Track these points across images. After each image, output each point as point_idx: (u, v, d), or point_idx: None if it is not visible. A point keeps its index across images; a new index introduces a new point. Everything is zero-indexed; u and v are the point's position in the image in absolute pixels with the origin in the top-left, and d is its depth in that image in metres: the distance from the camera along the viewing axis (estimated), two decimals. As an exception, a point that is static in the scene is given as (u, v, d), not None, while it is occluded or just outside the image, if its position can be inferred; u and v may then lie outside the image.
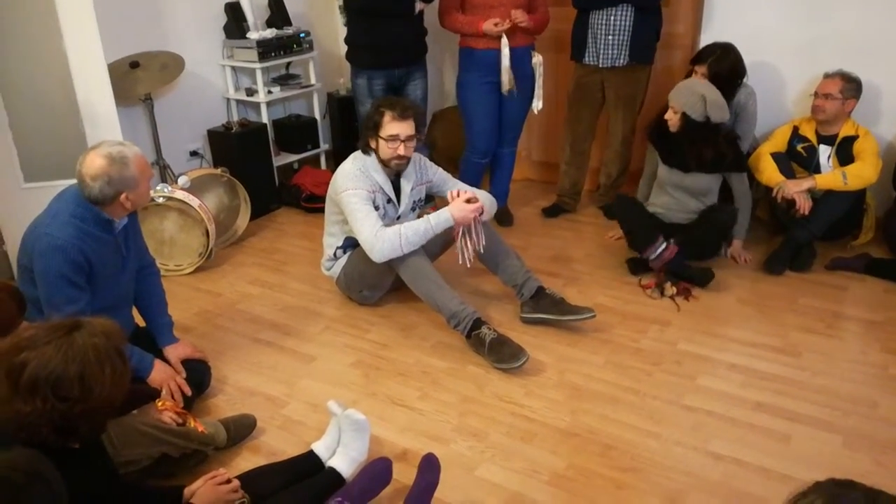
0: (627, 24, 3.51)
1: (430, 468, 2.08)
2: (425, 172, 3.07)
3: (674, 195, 3.37)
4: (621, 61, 3.59)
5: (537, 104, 3.61)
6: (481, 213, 2.78)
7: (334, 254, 3.08)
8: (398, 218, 2.99)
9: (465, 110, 3.64)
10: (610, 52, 3.57)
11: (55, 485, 1.27)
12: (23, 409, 1.41)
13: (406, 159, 2.89)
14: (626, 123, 3.78)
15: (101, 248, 2.21)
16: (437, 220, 2.73)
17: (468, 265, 2.82)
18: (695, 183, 3.30)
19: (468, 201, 2.75)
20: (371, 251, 2.75)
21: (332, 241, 3.08)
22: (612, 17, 3.51)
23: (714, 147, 3.21)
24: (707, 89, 3.19)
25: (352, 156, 2.97)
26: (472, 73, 3.53)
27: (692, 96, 3.16)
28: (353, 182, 2.83)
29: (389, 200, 2.94)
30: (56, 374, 1.41)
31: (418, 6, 3.40)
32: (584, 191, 4.10)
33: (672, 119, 3.22)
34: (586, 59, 3.65)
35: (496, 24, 3.33)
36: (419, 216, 3.15)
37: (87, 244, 2.16)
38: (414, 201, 3.05)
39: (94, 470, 1.61)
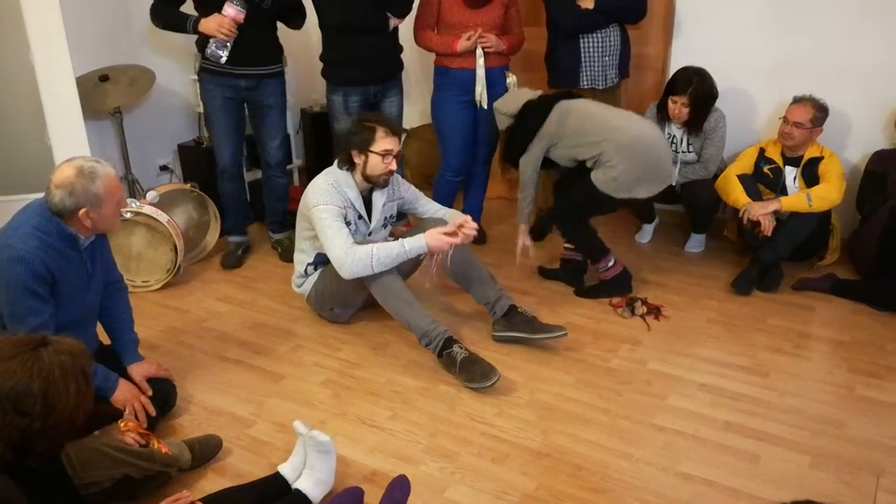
0: (617, 42, 3.58)
1: (400, 489, 2.06)
2: (397, 189, 3.06)
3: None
4: (613, 79, 3.65)
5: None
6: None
7: (305, 270, 3.05)
8: (369, 234, 2.97)
9: (440, 129, 3.65)
10: (607, 73, 3.62)
11: None
12: None
13: (391, 174, 2.90)
14: None
15: (65, 262, 2.16)
16: (411, 246, 2.72)
17: (427, 285, 2.86)
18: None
19: (459, 232, 2.75)
20: (341, 268, 2.73)
21: (302, 257, 3.05)
22: (604, 39, 3.55)
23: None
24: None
25: (324, 171, 2.96)
26: (447, 91, 3.54)
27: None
28: (325, 197, 2.82)
29: (360, 217, 2.93)
30: (19, 388, 1.38)
31: (392, 22, 3.40)
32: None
33: None
34: (583, 82, 3.63)
35: (468, 38, 3.35)
36: (391, 233, 3.15)
37: (51, 257, 2.11)
38: (385, 217, 3.04)
39: (54, 491, 1.56)
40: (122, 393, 2.31)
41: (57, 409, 1.38)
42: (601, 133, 3.07)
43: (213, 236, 3.81)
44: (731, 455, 2.31)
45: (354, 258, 2.69)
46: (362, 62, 3.41)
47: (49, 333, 2.07)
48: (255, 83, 3.39)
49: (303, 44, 4.41)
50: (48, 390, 1.37)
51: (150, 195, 3.48)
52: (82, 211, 2.11)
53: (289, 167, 4.62)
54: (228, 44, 3.20)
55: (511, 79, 3.56)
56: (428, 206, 3.12)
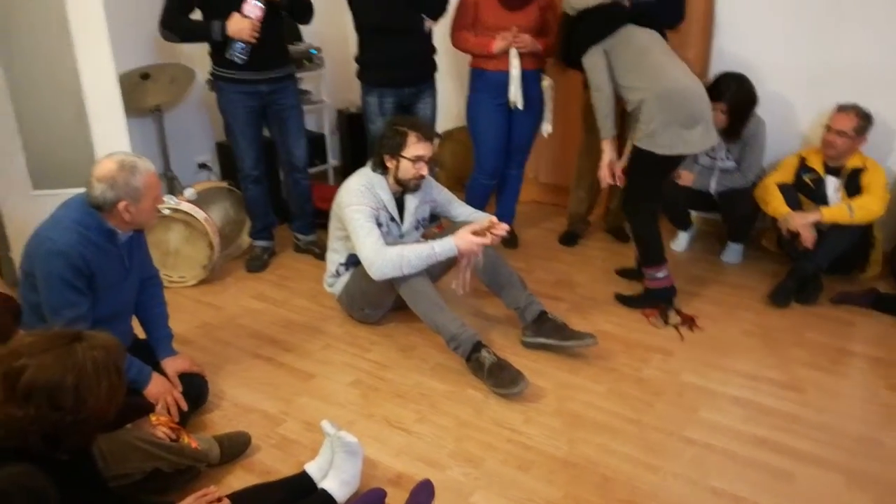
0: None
1: (425, 493, 2.06)
2: (429, 191, 3.07)
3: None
4: None
5: (547, 128, 3.62)
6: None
7: (336, 270, 3.07)
8: (401, 236, 2.98)
9: (475, 131, 3.64)
10: None
11: (51, 498, 1.26)
12: (15, 413, 1.41)
13: (423, 179, 2.91)
14: None
15: (103, 257, 2.21)
16: (441, 248, 2.72)
17: (460, 292, 2.84)
18: None
19: (488, 232, 2.74)
20: (370, 268, 2.74)
21: (335, 257, 3.07)
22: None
23: None
24: None
25: (357, 172, 2.98)
26: (482, 93, 3.54)
27: None
28: (358, 198, 2.83)
29: (393, 219, 2.94)
30: (53, 382, 1.41)
31: (427, 24, 3.40)
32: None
33: None
34: None
35: (504, 38, 3.34)
36: (424, 235, 3.15)
37: (89, 251, 2.15)
38: (418, 220, 3.04)
39: (84, 483, 1.59)
40: (156, 387, 2.35)
41: (89, 403, 1.41)
42: (645, 80, 2.98)
43: (248, 234, 3.85)
44: (763, 472, 2.26)
45: (385, 258, 2.70)
46: (397, 64, 3.42)
47: (86, 326, 2.14)
48: (275, 86, 3.40)
49: (339, 45, 4.44)
50: (80, 385, 1.40)
51: (189, 192, 3.53)
52: (122, 204, 2.15)
53: (324, 167, 4.68)
54: (249, 47, 3.18)
55: (547, 81, 3.54)
56: (460, 210, 3.12)
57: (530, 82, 3.48)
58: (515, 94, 3.44)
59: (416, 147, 2.83)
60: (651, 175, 3.13)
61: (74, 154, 3.28)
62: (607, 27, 3.07)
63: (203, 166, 4.34)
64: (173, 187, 3.98)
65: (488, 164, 3.64)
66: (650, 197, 3.17)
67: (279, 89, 3.41)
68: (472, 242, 2.71)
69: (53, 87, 3.32)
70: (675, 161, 3.09)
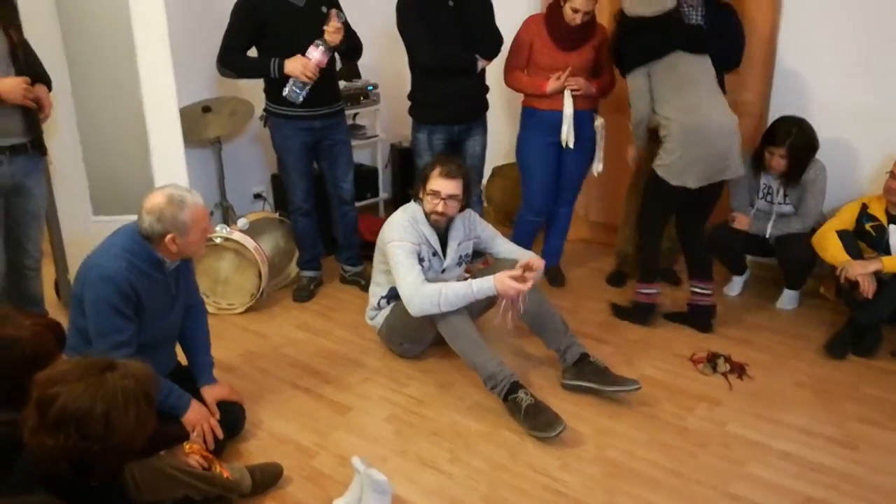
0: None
1: None
2: (473, 228, 3.07)
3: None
4: None
5: (598, 167, 3.59)
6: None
7: (378, 303, 3.08)
8: (443, 272, 2.98)
9: (524, 168, 3.64)
10: None
11: None
12: (47, 441, 1.44)
13: (445, 216, 2.91)
14: None
15: (151, 284, 2.27)
16: (479, 288, 2.71)
17: (508, 327, 2.81)
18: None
19: (526, 274, 2.72)
20: (409, 304, 2.75)
21: (377, 290, 3.09)
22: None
23: None
24: None
25: (403, 207, 3.00)
26: (533, 131, 3.54)
27: None
28: (400, 233, 2.85)
29: (435, 253, 2.95)
30: (82, 411, 1.44)
31: (480, 64, 3.44)
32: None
33: None
34: None
35: (558, 78, 3.35)
36: (467, 271, 3.14)
37: (137, 278, 2.22)
38: (460, 256, 3.04)
39: (111, 510, 1.61)
40: (194, 414, 2.38)
41: (118, 432, 1.43)
42: (676, 112, 3.08)
43: (296, 264, 3.91)
44: (810, 534, 2.15)
45: (423, 296, 2.70)
46: (449, 102, 3.46)
47: (130, 351, 2.19)
48: (327, 122, 3.47)
49: (394, 81, 4.51)
50: (110, 413, 1.42)
51: (241, 222, 3.62)
52: (169, 237, 2.21)
53: (375, 200, 4.74)
54: (308, 86, 3.25)
55: (599, 121, 3.52)
56: (504, 247, 3.10)
57: (583, 122, 3.47)
58: (568, 134, 3.43)
59: (435, 182, 2.85)
60: (663, 200, 3.25)
61: (134, 182, 3.40)
62: (656, 51, 3.10)
63: (258, 196, 4.45)
64: (228, 217, 4.09)
65: (536, 202, 3.63)
66: (659, 219, 3.35)
67: (331, 125, 3.49)
68: (510, 286, 2.68)
69: (118, 116, 3.47)
70: (688, 192, 3.13)
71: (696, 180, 3.09)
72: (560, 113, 3.42)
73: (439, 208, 2.87)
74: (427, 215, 2.92)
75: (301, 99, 3.26)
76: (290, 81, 3.24)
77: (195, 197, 2.29)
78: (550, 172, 3.59)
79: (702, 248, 3.40)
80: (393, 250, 2.83)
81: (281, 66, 3.24)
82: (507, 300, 2.76)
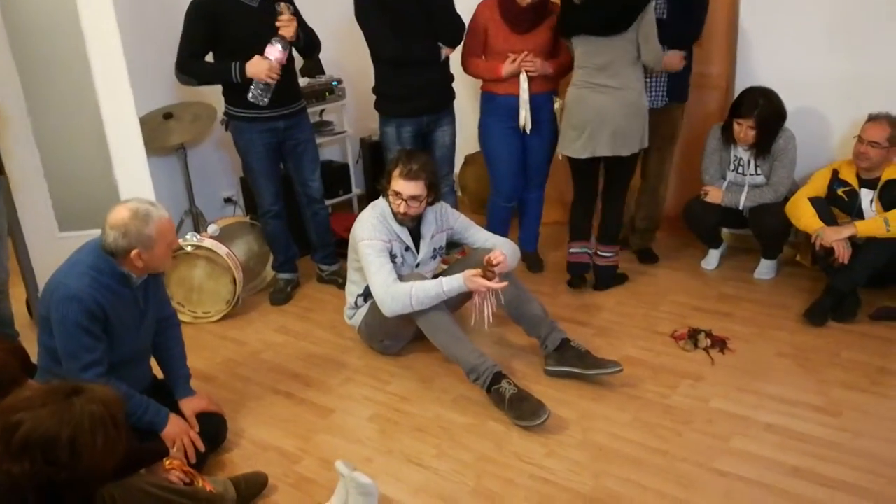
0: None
1: None
2: (446, 220, 3.04)
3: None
4: (660, 102, 3.53)
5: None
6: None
7: (355, 302, 3.05)
8: (417, 265, 2.95)
9: (489, 155, 3.62)
10: (649, 94, 3.51)
11: None
12: (12, 469, 1.40)
13: (408, 216, 2.86)
14: (665, 163, 3.73)
15: (118, 301, 2.22)
16: (449, 286, 2.69)
17: (485, 327, 2.78)
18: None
19: (490, 270, 2.69)
20: (381, 306, 2.74)
21: (353, 288, 3.06)
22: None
23: None
24: None
25: (372, 203, 2.97)
26: (493, 117, 3.52)
27: None
28: (370, 232, 2.83)
29: (408, 249, 2.92)
30: (47, 436, 1.40)
31: (444, 52, 3.39)
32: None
33: None
34: None
35: (513, 61, 3.32)
36: (444, 262, 3.11)
37: (103, 295, 2.17)
38: (434, 249, 3.01)
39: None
40: (172, 428, 2.34)
41: (84, 458, 1.40)
42: (575, 75, 3.29)
43: (271, 267, 3.87)
44: (797, 503, 2.16)
45: (394, 296, 2.69)
46: (415, 94, 3.41)
47: (102, 370, 2.15)
48: (291, 122, 3.42)
49: (359, 75, 4.45)
50: (76, 439, 1.39)
51: (211, 228, 3.56)
52: (134, 252, 2.16)
53: (348, 196, 4.70)
54: (271, 87, 3.19)
55: (558, 104, 3.49)
56: (479, 235, 3.08)
57: (542, 105, 3.45)
58: (525, 118, 3.40)
59: (396, 182, 2.81)
60: (572, 168, 3.48)
61: (99, 195, 3.34)
62: (577, 19, 3.19)
63: (228, 201, 4.39)
64: (198, 223, 4.03)
65: (505, 188, 3.61)
66: (575, 187, 3.55)
67: (294, 125, 3.43)
68: (480, 284, 2.66)
69: (77, 130, 3.41)
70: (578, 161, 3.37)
71: (575, 150, 3.31)
72: (518, 97, 3.40)
73: (402, 209, 2.83)
74: (395, 214, 2.89)
75: (266, 101, 3.20)
76: (253, 85, 3.18)
77: (160, 210, 2.24)
78: (515, 157, 3.57)
79: (612, 215, 3.53)
80: (363, 250, 2.80)
81: (242, 70, 3.17)
82: (481, 297, 2.73)
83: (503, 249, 2.80)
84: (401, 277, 2.82)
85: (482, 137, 3.60)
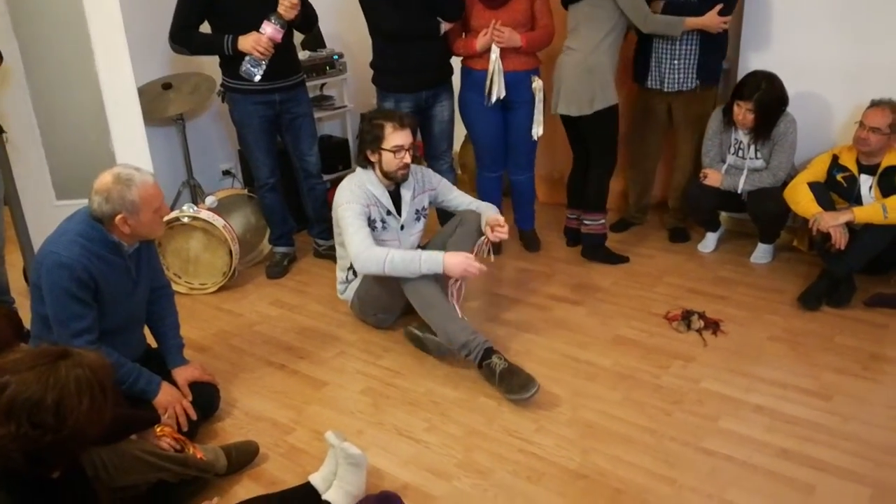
0: (694, 48, 3.48)
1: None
2: (428, 181, 3.07)
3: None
4: (689, 85, 3.55)
5: (537, 130, 3.54)
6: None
7: (346, 277, 3.06)
8: (402, 228, 2.97)
9: (469, 128, 3.65)
10: (676, 76, 3.54)
11: None
12: None
13: (409, 167, 2.89)
14: (689, 143, 3.75)
15: (109, 269, 2.22)
16: (427, 262, 2.69)
17: (457, 312, 2.76)
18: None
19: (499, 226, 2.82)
20: (355, 261, 2.75)
21: (342, 262, 3.06)
22: (678, 43, 3.47)
23: None
24: None
25: (349, 175, 2.98)
26: (470, 91, 3.52)
27: None
28: (348, 196, 2.85)
29: (389, 213, 2.92)
30: (33, 400, 1.40)
31: (443, 27, 3.37)
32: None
33: None
34: (648, 83, 3.64)
35: (485, 34, 3.31)
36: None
37: (93, 263, 2.16)
38: (417, 210, 3.03)
39: (75, 500, 1.59)
40: (165, 396, 2.35)
41: (69, 422, 1.40)
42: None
43: (268, 240, 3.87)
44: (783, 484, 2.17)
45: (370, 254, 2.71)
46: (414, 68, 3.39)
47: (93, 337, 2.16)
48: (288, 95, 3.40)
49: (360, 50, 4.42)
50: (61, 403, 1.39)
51: (209, 200, 3.56)
52: (119, 217, 2.16)
53: (346, 172, 4.67)
54: (264, 62, 3.17)
55: (537, 83, 3.46)
56: (460, 199, 3.10)
57: (520, 84, 3.43)
58: (490, 90, 3.39)
59: (393, 137, 2.81)
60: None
61: (96, 165, 3.29)
62: None
63: (227, 173, 4.38)
64: (196, 195, 4.02)
65: (486, 158, 3.64)
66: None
67: (291, 98, 3.42)
68: (461, 267, 2.66)
69: (75, 99, 3.39)
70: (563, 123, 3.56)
71: (558, 108, 3.48)
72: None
73: (407, 159, 2.85)
74: (390, 175, 2.89)
75: (258, 76, 3.18)
76: (246, 59, 3.16)
77: (144, 175, 2.22)
78: (493, 129, 3.57)
79: (591, 183, 3.60)
80: (342, 213, 2.82)
81: (234, 43, 3.16)
82: (453, 283, 2.75)
83: (490, 212, 2.87)
84: (384, 243, 2.87)
85: (462, 111, 3.61)
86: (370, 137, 2.85)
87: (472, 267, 2.68)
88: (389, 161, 2.84)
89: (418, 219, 3.05)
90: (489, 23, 3.32)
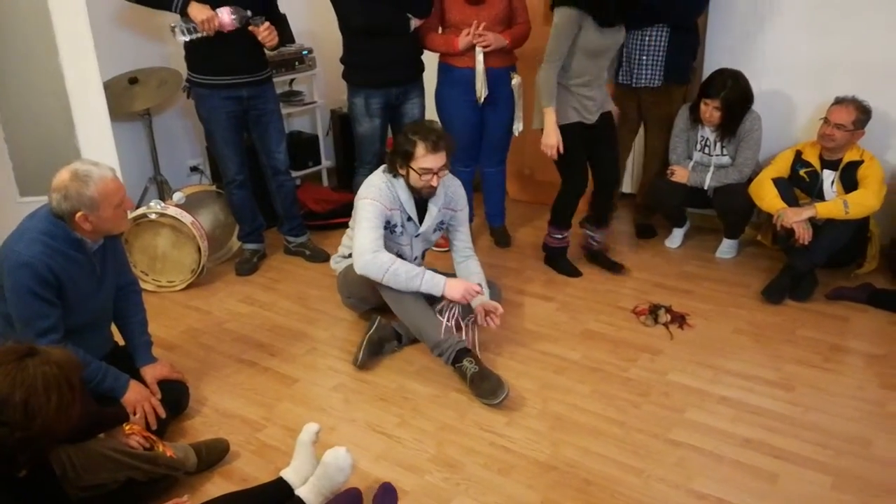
0: (662, 44, 3.49)
1: (388, 497, 2.04)
2: (455, 202, 2.99)
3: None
4: (656, 82, 3.56)
5: (518, 126, 3.56)
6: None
7: (349, 255, 3.01)
8: (417, 236, 2.94)
9: (446, 123, 3.59)
10: (644, 72, 3.55)
11: None
12: None
13: (434, 189, 2.82)
14: (656, 141, 3.78)
15: (72, 266, 2.18)
16: (429, 281, 2.67)
17: (447, 334, 2.70)
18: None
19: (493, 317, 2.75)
20: (357, 259, 2.70)
21: (348, 242, 3.01)
22: (647, 38, 3.49)
23: None
24: None
25: (382, 167, 2.91)
26: (450, 88, 3.52)
27: None
28: (375, 194, 2.78)
29: (410, 219, 2.89)
30: (0, 397, 1.38)
31: (413, 23, 3.37)
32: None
33: None
34: (619, 78, 3.66)
35: (467, 34, 3.31)
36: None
37: (56, 261, 2.13)
38: (438, 223, 2.98)
39: (42, 499, 1.57)
40: (133, 394, 2.32)
41: (37, 419, 1.39)
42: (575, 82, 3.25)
43: (237, 237, 3.84)
44: (748, 474, 2.22)
45: (374, 259, 2.66)
46: (384, 65, 3.39)
47: (57, 337, 2.12)
48: (255, 90, 3.37)
49: (330, 45, 4.40)
50: (29, 400, 1.38)
51: (177, 196, 3.52)
52: (79, 214, 2.12)
53: (318, 168, 4.66)
54: (196, 35, 3.10)
55: (516, 80, 3.49)
56: (462, 242, 3.04)
57: (500, 80, 3.45)
58: (480, 91, 3.40)
59: (424, 159, 2.72)
60: None
61: (60, 160, 3.21)
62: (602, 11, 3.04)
63: (195, 170, 4.34)
64: (163, 191, 3.98)
65: (463, 154, 3.60)
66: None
67: (258, 94, 3.39)
68: (460, 294, 2.65)
69: (39, 93, 3.33)
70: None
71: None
72: (474, 70, 3.39)
73: (433, 182, 2.77)
74: (413, 189, 2.81)
75: (185, 40, 3.12)
76: (183, 20, 3.10)
77: (103, 170, 2.16)
78: (470, 127, 3.57)
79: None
80: (363, 206, 2.76)
81: (185, 5, 3.08)
82: (446, 303, 2.72)
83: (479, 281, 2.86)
84: (400, 247, 2.86)
85: (439, 107, 3.60)
86: (402, 150, 2.75)
87: (471, 294, 2.67)
88: (416, 180, 2.77)
89: (436, 231, 3.00)
90: (469, 19, 3.32)
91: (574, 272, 3.52)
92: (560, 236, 3.52)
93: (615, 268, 3.54)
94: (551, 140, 3.20)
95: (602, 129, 3.33)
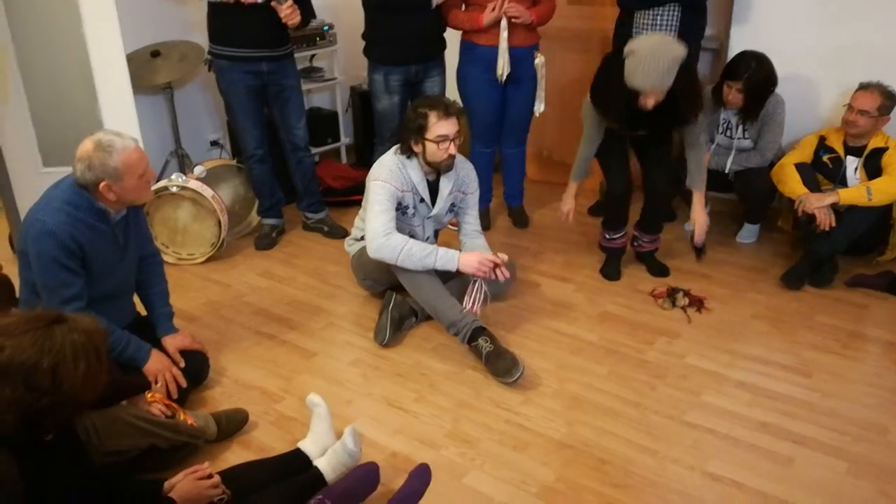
0: (673, 23, 3.43)
1: (420, 477, 2.05)
2: (466, 184, 2.98)
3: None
4: None
5: (539, 107, 3.55)
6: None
7: (362, 237, 3.02)
8: (429, 218, 2.94)
9: (467, 103, 3.60)
10: None
11: (9, 486, 1.27)
12: None
13: (454, 158, 2.79)
14: None
15: (96, 236, 2.21)
16: (443, 257, 2.68)
17: (475, 313, 2.73)
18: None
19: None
20: (370, 243, 2.71)
21: (361, 224, 3.02)
22: (658, 17, 3.43)
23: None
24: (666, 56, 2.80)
25: (394, 147, 2.90)
26: (473, 66, 3.49)
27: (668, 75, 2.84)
28: (387, 175, 2.78)
29: (422, 200, 2.88)
30: (29, 364, 1.41)
31: (435, 0, 3.35)
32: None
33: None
34: None
35: (493, 9, 3.28)
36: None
37: (80, 231, 2.15)
38: (451, 204, 2.98)
39: (69, 463, 1.60)
40: (154, 364, 2.36)
41: (64, 386, 1.41)
42: None
43: (256, 212, 3.86)
44: (763, 457, 2.22)
45: (387, 241, 2.67)
46: (404, 41, 3.38)
47: (81, 305, 2.16)
48: (276, 65, 3.37)
49: (351, 21, 4.39)
50: (57, 367, 1.40)
51: (198, 170, 3.54)
52: (103, 184, 2.14)
53: (337, 145, 4.67)
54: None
55: (539, 59, 3.46)
56: (469, 225, 3.03)
57: (523, 59, 3.43)
58: (503, 67, 3.38)
59: (437, 127, 2.70)
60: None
61: (83, 132, 3.24)
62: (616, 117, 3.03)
63: (215, 144, 4.35)
64: (184, 165, 4.00)
65: (484, 134, 3.62)
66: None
67: (278, 69, 3.39)
68: (475, 267, 2.66)
69: (63, 64, 3.34)
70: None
71: None
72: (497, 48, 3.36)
73: (452, 150, 2.75)
74: (435, 165, 2.79)
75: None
76: None
77: (126, 141, 2.18)
78: (493, 107, 3.56)
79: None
80: (375, 188, 2.76)
81: None
82: (475, 286, 2.72)
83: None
84: (412, 228, 2.87)
85: (461, 86, 3.58)
86: (414, 126, 2.72)
87: (486, 264, 2.67)
88: (433, 152, 2.74)
89: (448, 213, 3.00)
90: None
91: (610, 275, 3.35)
92: (607, 236, 3.37)
93: (661, 271, 3.37)
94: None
95: (651, 139, 3.23)
